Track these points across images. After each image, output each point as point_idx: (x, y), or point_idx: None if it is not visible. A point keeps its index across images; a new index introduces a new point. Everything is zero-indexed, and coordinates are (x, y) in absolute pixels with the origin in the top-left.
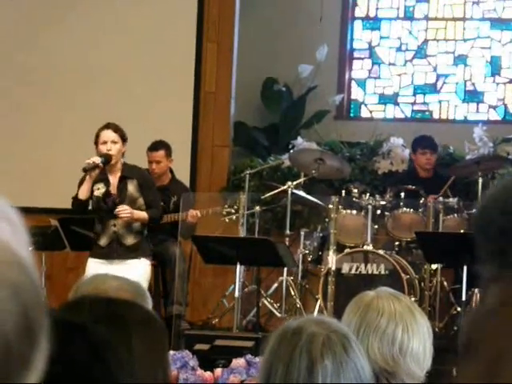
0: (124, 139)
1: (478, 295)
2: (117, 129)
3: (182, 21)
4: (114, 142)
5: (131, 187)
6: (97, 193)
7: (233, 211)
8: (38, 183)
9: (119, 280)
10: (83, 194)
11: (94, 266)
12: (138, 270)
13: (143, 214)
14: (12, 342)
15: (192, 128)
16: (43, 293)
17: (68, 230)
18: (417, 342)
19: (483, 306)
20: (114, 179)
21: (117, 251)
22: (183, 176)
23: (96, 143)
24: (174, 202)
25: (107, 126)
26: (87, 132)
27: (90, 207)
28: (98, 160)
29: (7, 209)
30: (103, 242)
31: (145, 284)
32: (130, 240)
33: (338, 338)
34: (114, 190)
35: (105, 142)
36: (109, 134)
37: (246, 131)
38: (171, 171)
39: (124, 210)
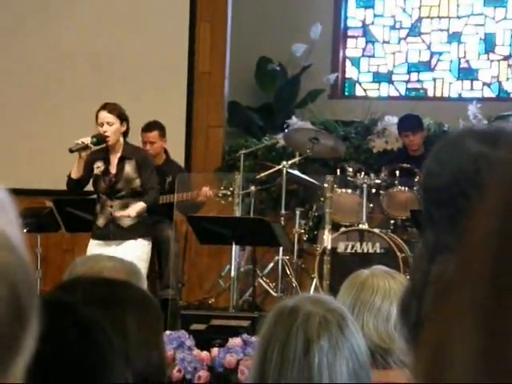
0: (122, 118)
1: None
2: (112, 109)
3: (175, 1)
4: (110, 124)
5: (129, 168)
6: (96, 171)
7: (228, 193)
8: (33, 165)
9: (114, 260)
10: (74, 173)
11: (93, 247)
12: (135, 251)
13: (140, 206)
14: (1, 323)
15: (186, 108)
16: (34, 273)
17: (63, 212)
18: None
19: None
20: (113, 159)
21: (113, 232)
22: (178, 156)
23: (97, 124)
24: (168, 183)
25: (103, 107)
26: (82, 112)
27: (86, 187)
28: (86, 140)
29: None
30: (100, 222)
31: (143, 265)
32: (126, 221)
33: (334, 317)
34: (112, 169)
35: (101, 124)
36: (104, 115)
37: (240, 111)
38: (166, 152)
39: (122, 215)
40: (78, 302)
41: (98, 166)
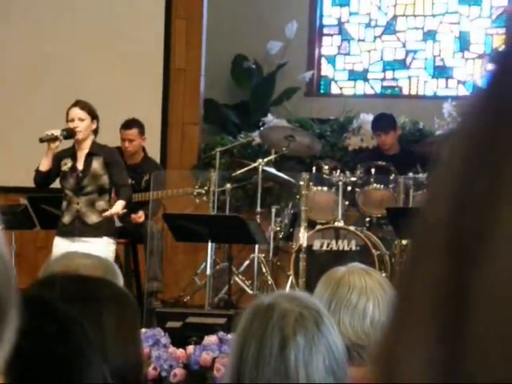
0: (93, 116)
1: None
2: (84, 106)
3: None
4: (81, 120)
5: (96, 164)
6: (64, 168)
7: (203, 192)
8: (7, 162)
9: (90, 257)
10: (43, 165)
11: (58, 244)
12: (99, 249)
13: (120, 204)
14: None
15: (162, 106)
16: (12, 266)
17: (38, 209)
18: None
19: None
20: (81, 155)
21: (79, 229)
22: (153, 154)
23: (67, 121)
24: (145, 181)
25: (75, 104)
26: (57, 110)
27: (55, 183)
28: (56, 132)
29: None
30: (66, 219)
31: None
32: (93, 218)
33: (310, 313)
34: (80, 165)
35: (72, 120)
36: (76, 112)
37: (216, 108)
38: (144, 150)
39: (112, 213)
40: (56, 298)
41: (66, 163)
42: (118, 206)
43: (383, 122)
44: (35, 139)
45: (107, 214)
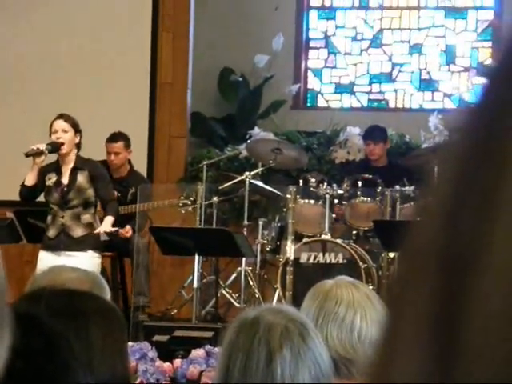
0: (76, 129)
1: None
2: (68, 118)
3: (138, 10)
4: (65, 131)
5: (81, 178)
6: (48, 182)
7: (189, 203)
8: None
9: (77, 271)
10: (29, 180)
11: (44, 258)
12: (84, 263)
13: (109, 221)
14: None
15: (149, 119)
16: (5, 285)
17: (24, 223)
18: (375, 329)
19: None
20: (66, 170)
21: (64, 243)
22: (140, 167)
23: (50, 135)
24: (131, 194)
25: (59, 117)
26: (43, 123)
27: (40, 197)
28: (42, 146)
29: None
30: (51, 233)
31: None
32: (78, 232)
33: (295, 327)
34: (65, 180)
35: (56, 131)
36: (60, 124)
37: (202, 122)
38: (130, 163)
39: (104, 231)
40: (43, 313)
41: (50, 178)
42: (108, 223)
43: (375, 132)
44: (20, 153)
45: (97, 231)
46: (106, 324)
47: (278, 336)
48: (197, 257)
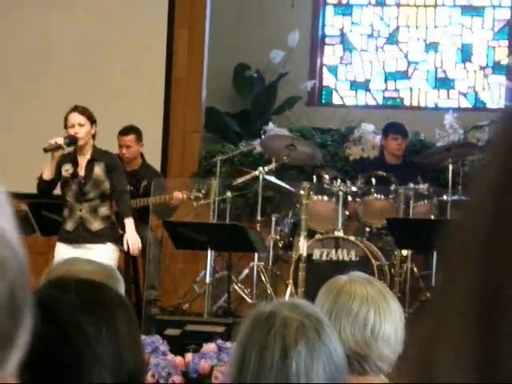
0: (92, 121)
1: None
2: (84, 111)
3: (153, 6)
4: (81, 125)
5: (98, 170)
6: (65, 174)
7: (200, 195)
8: (7, 168)
9: (91, 264)
10: (47, 174)
11: (61, 251)
12: (103, 255)
13: (130, 224)
14: (1, 321)
15: (163, 113)
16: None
17: (38, 215)
18: (389, 325)
19: None
20: (82, 161)
21: (82, 236)
22: (154, 161)
23: (65, 127)
24: (143, 187)
25: (74, 109)
26: (58, 116)
27: (56, 190)
28: (60, 141)
29: None
30: (69, 226)
31: None
32: (96, 225)
33: (311, 322)
34: (81, 171)
35: (72, 126)
36: (75, 117)
37: (217, 117)
38: (142, 156)
39: (133, 244)
40: (74, 301)
41: (67, 169)
42: (131, 225)
43: (403, 128)
44: (36, 145)
45: (126, 243)
46: (127, 315)
47: (293, 331)
48: (209, 252)
